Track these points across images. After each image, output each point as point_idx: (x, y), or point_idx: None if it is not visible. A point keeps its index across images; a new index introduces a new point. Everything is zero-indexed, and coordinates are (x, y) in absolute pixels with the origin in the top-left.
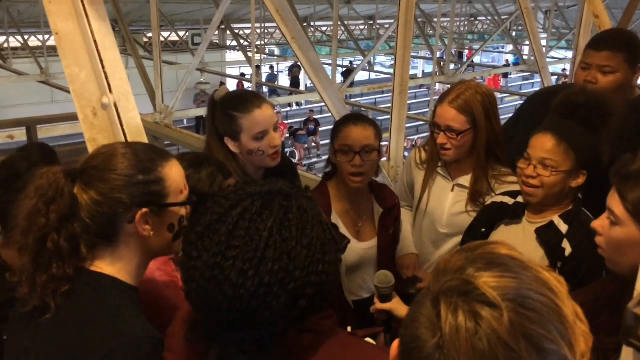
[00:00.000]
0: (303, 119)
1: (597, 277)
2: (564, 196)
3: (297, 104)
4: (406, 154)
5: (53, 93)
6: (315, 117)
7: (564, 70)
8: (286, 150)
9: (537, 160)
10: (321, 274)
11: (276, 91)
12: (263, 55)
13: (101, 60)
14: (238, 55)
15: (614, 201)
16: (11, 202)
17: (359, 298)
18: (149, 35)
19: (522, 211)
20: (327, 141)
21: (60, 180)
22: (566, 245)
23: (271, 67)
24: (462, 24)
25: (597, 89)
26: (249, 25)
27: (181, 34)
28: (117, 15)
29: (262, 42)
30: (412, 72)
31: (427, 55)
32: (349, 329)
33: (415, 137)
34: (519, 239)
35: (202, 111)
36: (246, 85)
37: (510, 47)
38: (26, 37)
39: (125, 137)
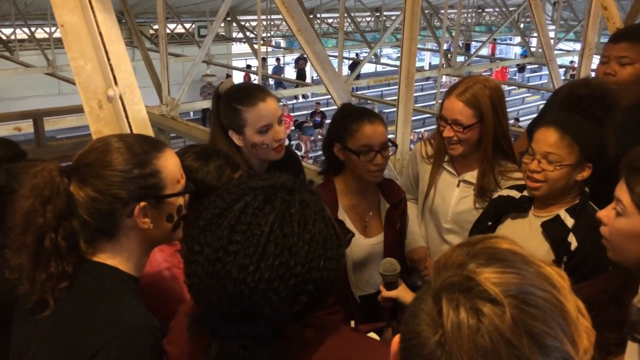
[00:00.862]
0: (309, 112)
1: (603, 272)
2: (569, 190)
3: (304, 96)
4: (412, 146)
5: (60, 85)
6: (322, 109)
7: (572, 62)
8: (292, 142)
9: (540, 155)
10: (322, 270)
11: (282, 83)
12: (269, 48)
13: (107, 53)
14: (244, 48)
15: (621, 192)
16: None
17: (365, 293)
18: (155, 27)
19: (528, 205)
20: None
21: (56, 179)
22: (572, 240)
23: (277, 59)
24: (469, 15)
25: (612, 81)
26: (255, 17)
27: (187, 25)
28: (123, 7)
29: (268, 34)
30: (418, 64)
31: (434, 47)
32: (352, 323)
33: (422, 129)
34: (524, 233)
35: (208, 103)
36: (252, 77)
37: (518, 39)
38: (33, 29)
39: (131, 130)
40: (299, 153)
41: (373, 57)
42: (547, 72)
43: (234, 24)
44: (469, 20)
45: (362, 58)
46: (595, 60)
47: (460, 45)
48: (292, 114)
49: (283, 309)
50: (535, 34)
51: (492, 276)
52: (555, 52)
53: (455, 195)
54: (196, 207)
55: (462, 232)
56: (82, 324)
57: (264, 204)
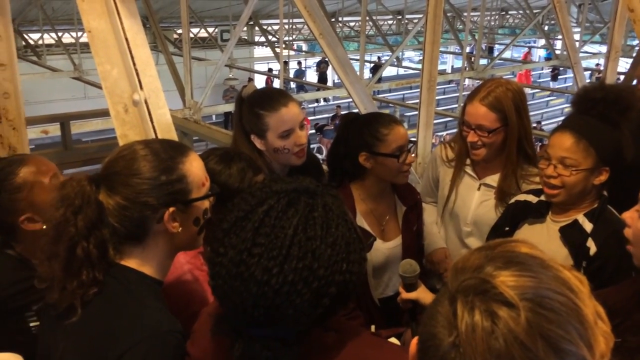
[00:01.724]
0: (330, 115)
1: (624, 276)
2: (587, 194)
3: (325, 99)
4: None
5: (86, 89)
6: (343, 112)
7: (597, 65)
8: (313, 146)
9: (556, 160)
10: (345, 273)
11: (304, 87)
12: (291, 51)
13: (132, 58)
14: (266, 51)
15: None
16: None
17: (385, 296)
18: (179, 31)
19: (545, 210)
20: None
21: (85, 188)
22: (591, 244)
23: (299, 63)
24: (492, 18)
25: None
26: (277, 21)
27: (210, 30)
28: (147, 12)
29: (290, 38)
30: (441, 67)
31: (457, 50)
32: (373, 328)
33: (444, 133)
34: (542, 238)
35: (231, 107)
36: (274, 81)
37: (542, 42)
38: (60, 34)
39: (155, 133)
40: (319, 156)
41: (395, 60)
42: (572, 75)
43: (257, 28)
44: (492, 23)
45: (383, 61)
46: (622, 62)
47: (483, 48)
48: (313, 117)
49: (306, 312)
50: (559, 37)
51: (508, 279)
52: (581, 54)
53: (476, 199)
54: (220, 210)
55: (482, 235)
56: (107, 328)
57: (287, 207)
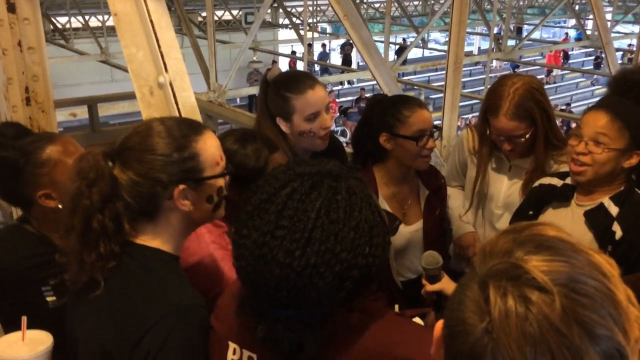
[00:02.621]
0: (355, 98)
1: None
2: (614, 177)
3: (349, 82)
4: (459, 133)
5: (113, 72)
6: (367, 95)
7: (630, 45)
8: (337, 129)
9: (589, 137)
10: (368, 257)
11: (328, 69)
12: (315, 33)
13: (157, 40)
14: (290, 34)
15: None
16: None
17: (406, 279)
18: (203, 14)
19: (570, 193)
20: None
21: (100, 162)
22: (616, 228)
23: (323, 45)
24: None
25: None
26: (301, 2)
27: (234, 12)
28: None
29: (314, 20)
30: (467, 48)
31: (484, 31)
32: (397, 307)
33: (469, 115)
34: (567, 222)
35: (255, 90)
36: (298, 63)
37: (572, 22)
38: (87, 17)
39: (181, 116)
40: (343, 139)
41: (420, 41)
42: (603, 56)
43: (281, 10)
44: (521, 3)
45: (409, 43)
46: None
47: (512, 28)
48: (337, 100)
49: (328, 294)
50: (591, 16)
51: (540, 264)
52: (612, 34)
53: (507, 181)
54: (243, 192)
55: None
56: (129, 306)
57: (310, 190)
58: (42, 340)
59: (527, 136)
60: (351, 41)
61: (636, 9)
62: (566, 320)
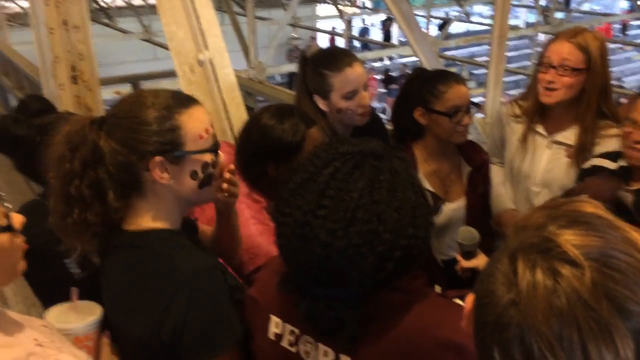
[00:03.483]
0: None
1: None
2: None
3: (390, 58)
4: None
5: (155, 50)
6: (408, 72)
7: None
8: (377, 106)
9: None
10: (410, 238)
11: (368, 45)
12: (355, 9)
13: (197, 18)
14: (330, 9)
15: None
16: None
17: (448, 257)
18: None
19: (627, 176)
20: None
21: (85, 128)
22: None
23: (363, 21)
24: None
25: None
26: None
27: None
28: None
29: None
30: (513, 22)
31: (530, 4)
32: (438, 288)
33: (514, 91)
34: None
35: (295, 67)
36: (337, 39)
37: None
38: None
39: (220, 93)
40: (383, 117)
41: (463, 15)
42: None
43: None
44: None
45: (451, 17)
46: None
47: (560, 0)
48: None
49: (370, 274)
50: None
51: (572, 238)
52: None
53: (546, 158)
54: (282, 167)
55: (553, 195)
56: (143, 292)
57: (353, 169)
58: (91, 310)
59: (577, 75)
60: (392, 16)
61: None
62: (595, 294)
